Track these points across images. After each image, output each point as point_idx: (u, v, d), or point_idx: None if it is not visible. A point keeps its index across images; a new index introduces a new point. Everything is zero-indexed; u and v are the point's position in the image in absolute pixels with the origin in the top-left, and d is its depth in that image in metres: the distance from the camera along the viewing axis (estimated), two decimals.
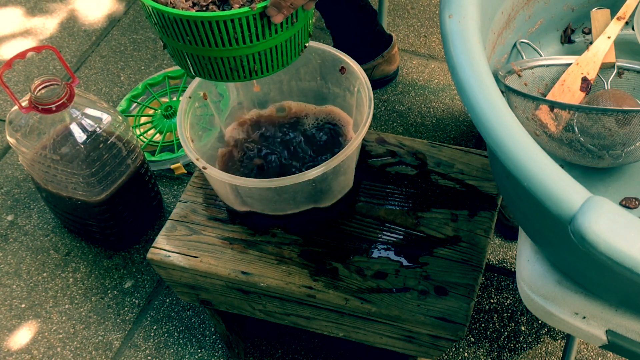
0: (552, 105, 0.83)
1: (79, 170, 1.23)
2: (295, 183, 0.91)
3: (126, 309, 1.35)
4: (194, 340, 1.30)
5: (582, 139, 0.83)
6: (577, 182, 0.61)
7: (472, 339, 1.28)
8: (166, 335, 1.31)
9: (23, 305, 1.37)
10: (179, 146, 1.54)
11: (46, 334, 1.33)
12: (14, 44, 1.85)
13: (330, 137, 1.06)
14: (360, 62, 1.38)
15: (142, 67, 1.76)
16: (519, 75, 0.94)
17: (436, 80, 1.68)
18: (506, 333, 1.28)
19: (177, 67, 1.69)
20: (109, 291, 1.38)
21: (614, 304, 0.76)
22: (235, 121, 1.10)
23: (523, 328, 1.28)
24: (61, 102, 1.18)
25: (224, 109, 1.08)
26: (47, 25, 1.89)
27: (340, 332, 1.04)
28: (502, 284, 1.34)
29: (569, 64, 0.96)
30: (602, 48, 0.96)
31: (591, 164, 0.87)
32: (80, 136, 1.22)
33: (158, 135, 1.57)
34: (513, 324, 1.29)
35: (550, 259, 0.79)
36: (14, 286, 1.39)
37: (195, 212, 1.06)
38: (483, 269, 0.98)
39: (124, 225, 1.38)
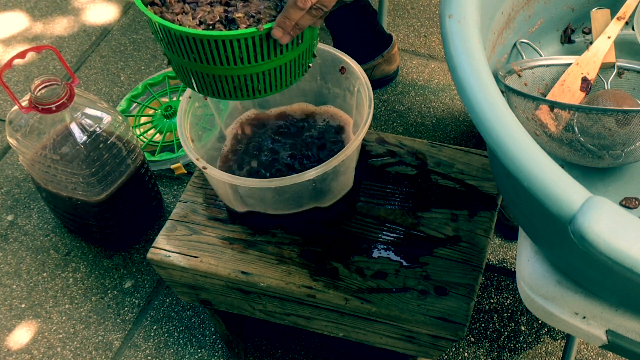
0: (552, 105, 0.83)
1: (79, 170, 1.23)
2: (295, 183, 0.91)
3: (126, 309, 1.35)
4: (194, 340, 1.30)
5: (582, 139, 0.83)
6: (577, 182, 0.61)
7: (472, 339, 1.28)
8: (166, 335, 1.31)
9: (23, 305, 1.37)
10: (179, 146, 1.54)
11: (46, 334, 1.33)
12: (14, 44, 1.85)
13: (330, 137, 1.06)
14: (360, 62, 1.38)
15: (142, 67, 1.76)
16: (519, 75, 0.94)
17: (436, 80, 1.68)
18: (506, 333, 1.28)
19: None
20: (109, 291, 1.38)
21: (614, 304, 0.76)
22: (235, 121, 1.10)
23: (523, 328, 1.28)
24: (61, 102, 1.18)
25: (224, 109, 1.08)
26: (47, 25, 1.89)
27: (340, 332, 1.04)
28: (502, 284, 1.34)
29: (569, 64, 0.96)
30: (602, 48, 0.96)
31: (591, 164, 0.87)
32: (80, 136, 1.22)
33: (158, 135, 1.57)
34: (513, 324, 1.29)
35: (550, 259, 0.79)
36: (14, 286, 1.39)
37: (195, 212, 1.06)
38: (483, 269, 0.98)
39: (124, 225, 1.38)
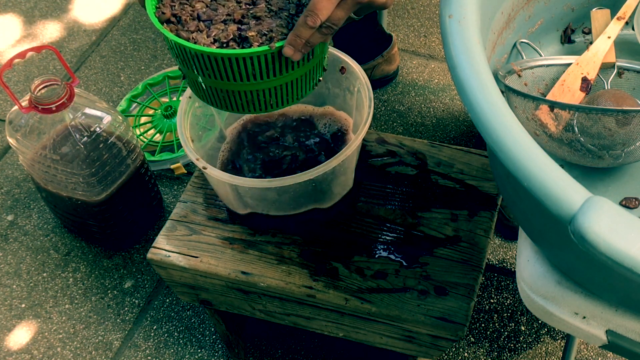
0: (552, 105, 0.83)
1: (79, 170, 1.23)
2: (296, 183, 0.91)
3: (126, 309, 1.35)
4: (194, 340, 1.30)
5: (582, 139, 0.83)
6: (577, 182, 0.61)
7: (472, 339, 1.28)
8: (166, 335, 1.31)
9: (23, 305, 1.37)
10: (179, 146, 1.54)
11: (46, 334, 1.33)
12: (14, 44, 1.85)
13: (330, 138, 1.06)
14: (360, 62, 1.37)
15: (142, 67, 1.76)
16: (519, 75, 0.94)
17: (436, 80, 1.68)
18: (506, 333, 1.28)
19: (177, 67, 1.69)
20: (109, 291, 1.38)
21: (614, 304, 0.76)
22: (235, 121, 1.10)
23: (523, 328, 1.28)
24: (61, 102, 1.18)
25: None
26: (47, 25, 1.89)
27: (340, 332, 1.04)
28: (502, 284, 1.34)
29: (569, 64, 0.96)
30: (602, 48, 0.96)
31: (591, 164, 0.87)
32: (80, 136, 1.22)
33: (158, 135, 1.57)
34: (513, 324, 1.29)
35: (550, 259, 0.79)
36: (14, 286, 1.39)
37: (195, 212, 1.06)
38: (483, 269, 0.98)
39: (124, 225, 1.38)
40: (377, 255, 0.99)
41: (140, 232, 1.44)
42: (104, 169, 1.26)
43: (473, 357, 1.26)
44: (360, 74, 1.00)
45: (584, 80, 0.93)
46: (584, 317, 0.77)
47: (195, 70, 0.82)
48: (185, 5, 0.83)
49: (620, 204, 0.86)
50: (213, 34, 0.80)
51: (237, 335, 1.24)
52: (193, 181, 1.11)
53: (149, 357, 1.29)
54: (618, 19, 0.97)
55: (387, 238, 1.01)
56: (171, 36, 0.79)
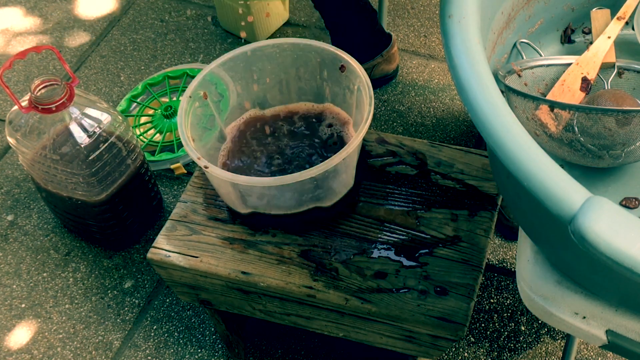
0: (552, 105, 0.83)
1: (79, 170, 1.23)
2: (296, 181, 0.91)
3: (126, 309, 1.35)
4: (194, 340, 1.30)
5: (582, 139, 0.83)
6: (577, 182, 0.61)
7: (472, 339, 1.28)
8: (166, 335, 1.31)
9: (23, 305, 1.37)
10: (179, 146, 1.54)
11: (46, 334, 1.33)
12: (14, 44, 1.85)
13: (330, 136, 1.06)
14: (359, 62, 1.37)
15: (142, 67, 1.76)
16: (519, 75, 0.94)
17: (436, 80, 1.68)
18: (506, 333, 1.28)
19: (177, 67, 1.69)
20: (109, 291, 1.38)
21: (614, 304, 0.76)
22: (235, 121, 1.10)
23: (523, 328, 1.28)
24: (61, 102, 1.18)
25: (224, 109, 1.08)
26: (47, 25, 1.89)
27: (340, 332, 1.04)
28: (502, 284, 1.34)
29: (569, 64, 0.96)
30: (602, 48, 0.96)
31: (591, 164, 0.87)
32: (80, 136, 1.22)
33: (158, 135, 1.57)
34: (513, 324, 1.29)
35: (551, 259, 0.79)
36: (14, 286, 1.39)
37: (195, 212, 1.06)
38: (483, 269, 0.98)
39: (124, 225, 1.38)
40: (377, 255, 0.99)
41: (140, 232, 1.44)
42: (104, 169, 1.26)
43: (473, 357, 1.26)
44: (360, 72, 1.00)
45: (584, 80, 0.93)
46: (584, 317, 0.77)
47: None
48: None
49: (620, 204, 0.86)
50: None
51: (237, 335, 1.24)
52: (193, 181, 1.11)
53: (149, 357, 1.29)
54: (618, 19, 0.98)
55: (387, 238, 1.01)
56: None
